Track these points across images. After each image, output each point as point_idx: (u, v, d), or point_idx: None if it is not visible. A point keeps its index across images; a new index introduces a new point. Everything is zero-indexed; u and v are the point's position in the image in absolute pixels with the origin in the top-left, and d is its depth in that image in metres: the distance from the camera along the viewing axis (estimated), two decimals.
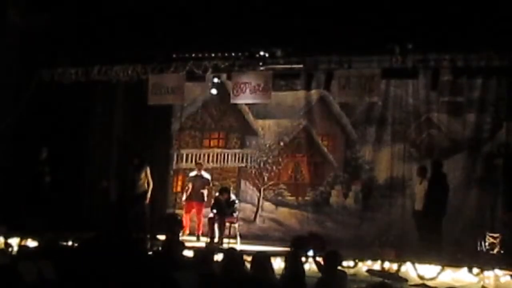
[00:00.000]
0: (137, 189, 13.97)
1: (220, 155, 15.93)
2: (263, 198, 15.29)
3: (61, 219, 13.27)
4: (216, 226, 13.39)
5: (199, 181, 14.36)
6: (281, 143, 15.29)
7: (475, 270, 10.87)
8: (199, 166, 14.57)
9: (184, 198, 14.65)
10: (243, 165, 15.63)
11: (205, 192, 14.32)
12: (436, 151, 13.76)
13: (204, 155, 15.96)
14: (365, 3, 12.44)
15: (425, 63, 12.61)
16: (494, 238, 11.89)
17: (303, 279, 7.25)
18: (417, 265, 11.10)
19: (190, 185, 14.50)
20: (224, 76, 14.08)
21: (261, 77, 13.41)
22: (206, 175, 14.45)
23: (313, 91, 14.50)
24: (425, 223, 12.34)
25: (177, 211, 14.89)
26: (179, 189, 15.71)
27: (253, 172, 15.41)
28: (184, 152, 16.00)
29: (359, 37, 12.33)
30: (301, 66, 13.49)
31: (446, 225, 12.31)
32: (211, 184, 14.47)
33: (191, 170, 14.85)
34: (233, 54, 13.66)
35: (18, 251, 10.15)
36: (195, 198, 14.36)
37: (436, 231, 12.11)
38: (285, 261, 7.22)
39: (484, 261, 11.34)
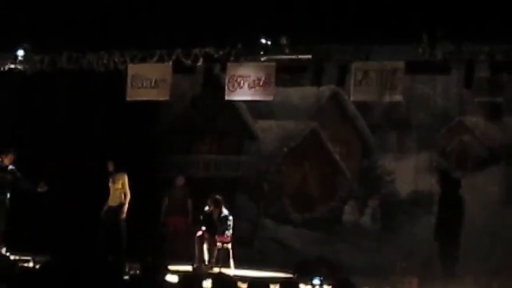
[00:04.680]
0: (111, 202, 14.01)
1: (212, 162, 15.93)
2: (262, 214, 15.31)
3: (20, 237, 13.32)
4: (205, 246, 13.41)
5: (178, 194, 14.44)
6: (285, 149, 15.32)
7: None
8: (179, 179, 14.62)
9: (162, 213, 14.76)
10: (240, 174, 15.64)
11: (188, 204, 14.39)
12: (469, 161, 13.80)
13: (193, 162, 15.97)
14: None
15: (458, 56, 12.62)
16: None
17: None
18: None
19: (166, 199, 14.70)
20: (218, 67, 14.10)
21: (262, 69, 13.42)
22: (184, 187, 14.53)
23: (323, 88, 14.50)
24: (456, 246, 12.36)
25: (160, 228, 14.94)
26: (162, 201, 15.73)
27: (251, 183, 15.43)
28: (169, 158, 16.02)
29: (379, 23, 12.36)
30: (309, 57, 13.49)
31: (480, 250, 12.32)
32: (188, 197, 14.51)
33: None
34: (229, 41, 13.68)
35: None
36: (175, 212, 14.45)
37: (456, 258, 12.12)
38: None
39: None
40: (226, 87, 13.65)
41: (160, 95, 14.27)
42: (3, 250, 13.72)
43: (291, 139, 15.32)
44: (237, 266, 13.39)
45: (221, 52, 13.70)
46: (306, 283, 10.53)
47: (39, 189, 13.60)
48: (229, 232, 13.57)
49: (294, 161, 15.32)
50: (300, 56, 13.52)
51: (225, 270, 13.07)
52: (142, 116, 15.49)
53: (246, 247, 14.99)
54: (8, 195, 13.76)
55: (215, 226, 13.43)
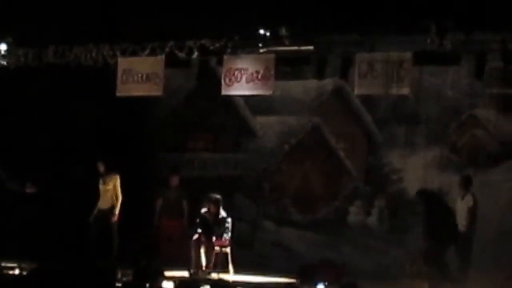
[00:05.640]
0: (102, 204, 13.98)
1: (209, 161, 15.92)
2: (262, 215, 15.30)
3: (5, 243, 13.27)
4: (202, 250, 13.37)
5: (173, 194, 14.39)
6: (286, 146, 15.33)
7: None
8: (173, 179, 14.56)
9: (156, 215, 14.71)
10: (238, 173, 15.63)
11: (183, 205, 14.34)
12: (481, 157, 13.82)
13: (188, 161, 15.94)
14: None
15: (468, 45, 12.58)
16: None
17: None
18: None
19: (160, 200, 14.60)
20: (213, 60, 14.07)
21: (261, 62, 13.38)
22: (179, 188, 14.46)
23: (326, 81, 14.48)
24: (468, 247, 12.34)
25: (154, 232, 14.92)
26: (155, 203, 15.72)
27: (250, 182, 15.42)
28: (162, 157, 15.99)
29: (384, 12, 12.33)
30: (311, 48, 13.47)
31: (493, 250, 12.34)
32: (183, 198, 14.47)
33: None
34: (225, 32, 13.65)
35: None
36: (170, 214, 14.41)
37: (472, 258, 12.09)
38: None
39: None
40: (223, 81, 13.62)
41: (152, 90, 14.25)
42: None
43: (292, 136, 15.34)
44: (237, 271, 13.36)
45: (217, 44, 13.65)
46: None
47: (27, 190, 13.54)
48: (227, 235, 13.53)
49: (296, 159, 15.34)
50: (301, 48, 13.49)
51: (223, 276, 13.05)
52: (133, 113, 15.49)
53: (245, 251, 15.00)
54: None
55: (212, 228, 13.37)
